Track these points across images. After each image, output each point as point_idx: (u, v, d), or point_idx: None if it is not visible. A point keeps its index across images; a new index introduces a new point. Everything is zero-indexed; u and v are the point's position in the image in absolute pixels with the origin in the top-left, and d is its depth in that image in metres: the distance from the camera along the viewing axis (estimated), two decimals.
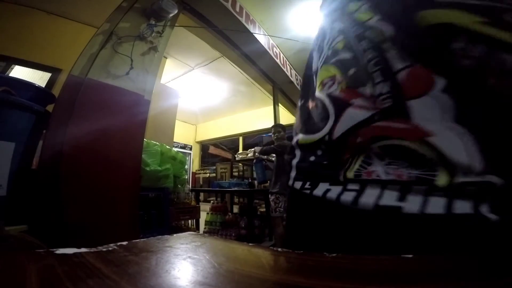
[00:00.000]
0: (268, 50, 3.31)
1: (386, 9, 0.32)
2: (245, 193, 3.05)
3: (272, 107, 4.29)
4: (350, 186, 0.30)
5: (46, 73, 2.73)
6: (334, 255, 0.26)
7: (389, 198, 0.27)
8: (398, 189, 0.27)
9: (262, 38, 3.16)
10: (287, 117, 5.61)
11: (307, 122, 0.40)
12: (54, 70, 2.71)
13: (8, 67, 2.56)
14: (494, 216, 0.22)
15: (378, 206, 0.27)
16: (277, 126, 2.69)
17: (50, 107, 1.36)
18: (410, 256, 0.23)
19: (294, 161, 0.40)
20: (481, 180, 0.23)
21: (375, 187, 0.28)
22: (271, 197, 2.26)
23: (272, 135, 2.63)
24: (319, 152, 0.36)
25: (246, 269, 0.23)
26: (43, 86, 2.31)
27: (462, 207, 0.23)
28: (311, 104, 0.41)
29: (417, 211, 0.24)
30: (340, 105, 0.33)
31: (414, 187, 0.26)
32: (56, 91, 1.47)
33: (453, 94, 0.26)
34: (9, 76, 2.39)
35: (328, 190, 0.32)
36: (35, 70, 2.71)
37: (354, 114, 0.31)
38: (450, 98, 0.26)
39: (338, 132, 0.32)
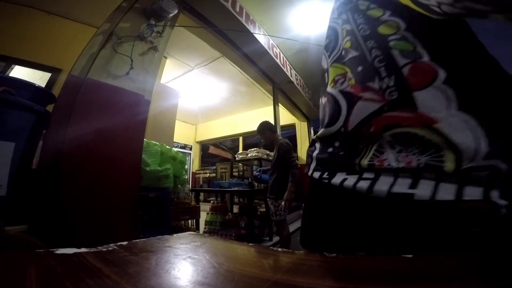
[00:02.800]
0: (268, 50, 3.31)
1: (392, 5, 0.36)
2: (245, 193, 3.05)
3: (272, 107, 4.29)
4: (366, 175, 0.32)
5: (46, 73, 2.72)
6: (334, 255, 0.26)
7: (402, 186, 0.28)
8: (410, 176, 0.28)
9: (262, 38, 3.16)
10: (287, 117, 5.62)
11: (324, 118, 0.43)
12: (54, 70, 2.71)
13: (8, 67, 2.55)
14: (504, 201, 0.22)
15: (391, 194, 0.28)
16: (262, 128, 2.36)
17: (50, 107, 1.36)
18: (410, 256, 0.23)
19: (314, 153, 0.43)
20: (487, 165, 0.24)
21: (388, 176, 0.30)
22: (269, 201, 2.26)
23: (262, 141, 2.45)
24: (337, 144, 0.39)
25: (246, 269, 0.23)
26: (43, 86, 2.32)
27: (472, 193, 0.24)
28: (323, 100, 0.44)
29: (428, 197, 0.26)
30: (351, 99, 0.36)
31: (425, 174, 0.27)
32: (56, 91, 1.46)
33: (454, 85, 0.27)
34: (9, 76, 2.38)
35: (345, 179, 0.34)
36: (35, 70, 2.70)
37: (365, 106, 0.33)
38: (451, 88, 0.28)
39: (352, 123, 0.35)
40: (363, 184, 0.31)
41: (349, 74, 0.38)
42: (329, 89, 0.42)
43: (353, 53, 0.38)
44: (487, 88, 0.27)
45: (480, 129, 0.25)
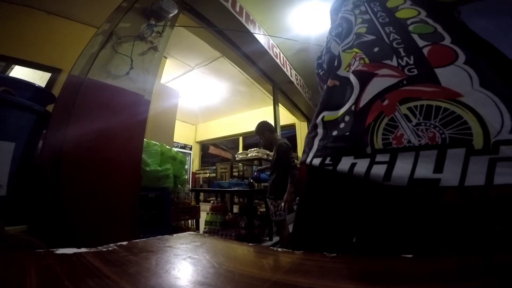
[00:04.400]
0: (268, 50, 3.31)
1: None
2: (245, 193, 3.05)
3: (272, 107, 4.29)
4: (379, 158, 0.29)
5: (46, 73, 2.73)
6: (334, 255, 0.26)
7: (425, 168, 0.25)
8: (434, 155, 0.25)
9: (262, 38, 3.16)
10: (287, 117, 5.61)
11: (330, 100, 0.41)
12: (54, 70, 2.71)
13: (8, 67, 2.55)
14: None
15: (413, 180, 0.25)
16: (261, 129, 2.35)
17: (50, 107, 1.36)
18: (410, 256, 0.23)
19: (317, 139, 0.40)
20: None
21: (407, 157, 0.27)
22: (269, 201, 2.26)
23: (261, 142, 2.46)
24: (342, 125, 0.36)
25: (246, 269, 0.23)
26: (43, 86, 2.32)
27: (504, 175, 0.22)
28: (331, 83, 0.42)
29: (456, 182, 0.23)
30: (365, 76, 0.35)
31: (450, 151, 0.24)
32: (56, 91, 1.46)
33: (474, 65, 0.28)
34: (9, 76, 2.38)
35: (354, 164, 0.30)
36: (35, 70, 2.70)
37: (381, 81, 0.33)
38: (472, 68, 0.28)
39: (365, 99, 0.34)
40: (379, 170, 0.28)
41: (361, 54, 0.38)
42: (342, 72, 0.41)
43: (368, 37, 0.39)
44: (502, 69, 0.28)
45: (503, 104, 0.25)
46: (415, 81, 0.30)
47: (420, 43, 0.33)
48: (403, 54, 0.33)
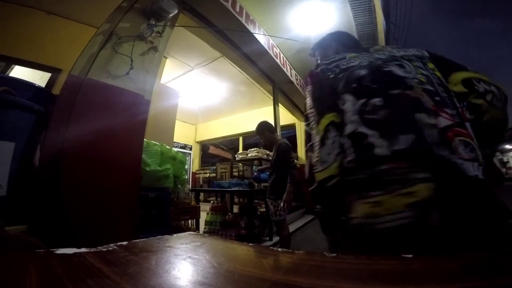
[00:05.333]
0: (268, 50, 3.31)
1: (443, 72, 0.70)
2: (245, 193, 3.05)
3: (272, 107, 4.29)
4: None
5: (46, 73, 2.73)
6: (334, 255, 0.26)
7: (472, 169, 0.52)
8: (471, 163, 0.53)
9: (262, 38, 3.16)
10: (287, 117, 5.62)
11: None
12: (54, 70, 2.71)
13: (8, 67, 2.56)
14: (482, 176, 0.51)
15: (475, 175, 0.51)
16: (261, 129, 2.36)
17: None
18: (410, 256, 0.23)
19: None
20: (483, 160, 0.54)
21: (468, 163, 0.53)
22: (269, 201, 2.25)
23: (261, 141, 2.48)
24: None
25: (246, 269, 0.23)
26: (43, 86, 2.32)
27: (483, 173, 0.52)
28: (414, 93, 0.67)
29: (481, 177, 0.52)
30: (434, 112, 0.60)
31: (474, 163, 0.53)
32: (56, 91, 1.46)
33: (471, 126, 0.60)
34: (9, 76, 2.39)
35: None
36: (35, 70, 2.70)
37: (444, 120, 0.58)
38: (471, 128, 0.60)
39: (441, 125, 0.59)
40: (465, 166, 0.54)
41: (426, 97, 0.61)
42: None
43: (428, 87, 0.64)
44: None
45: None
46: (459, 125, 0.58)
47: (457, 104, 0.62)
48: (451, 107, 0.60)
